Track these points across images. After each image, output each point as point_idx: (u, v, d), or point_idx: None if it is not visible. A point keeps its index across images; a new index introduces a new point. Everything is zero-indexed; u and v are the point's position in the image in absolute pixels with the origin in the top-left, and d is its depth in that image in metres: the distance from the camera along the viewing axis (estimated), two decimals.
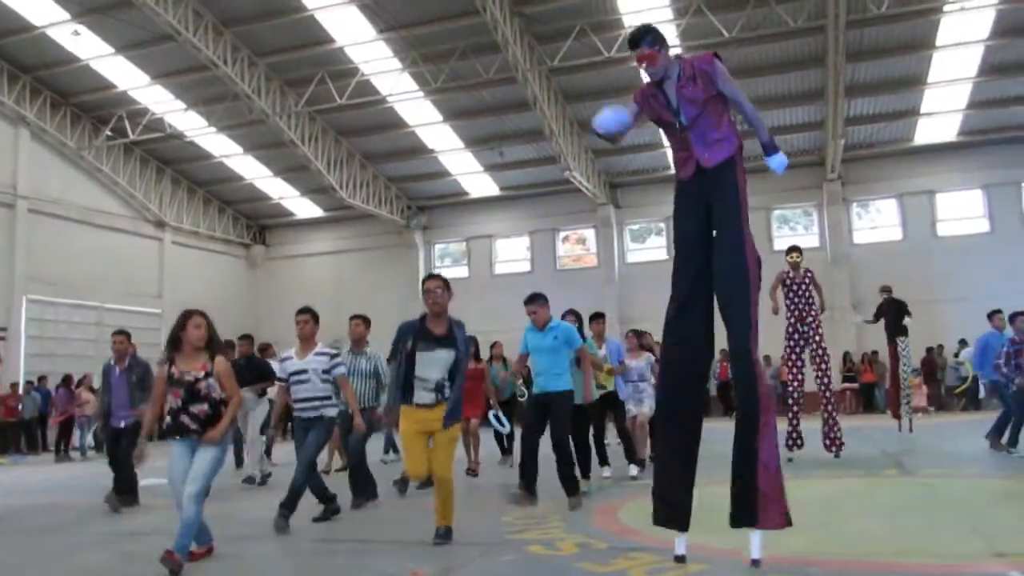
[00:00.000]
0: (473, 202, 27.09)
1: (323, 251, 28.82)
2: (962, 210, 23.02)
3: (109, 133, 22.55)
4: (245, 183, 26.81)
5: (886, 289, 13.37)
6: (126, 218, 24.80)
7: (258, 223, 29.77)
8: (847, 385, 21.54)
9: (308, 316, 6.80)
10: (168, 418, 5.15)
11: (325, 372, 6.69)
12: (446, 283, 5.73)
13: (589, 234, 26.40)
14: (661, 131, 4.49)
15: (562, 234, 26.80)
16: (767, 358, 22.89)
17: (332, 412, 6.82)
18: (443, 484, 5.55)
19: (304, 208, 28.53)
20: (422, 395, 5.54)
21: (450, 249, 28.36)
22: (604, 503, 7.12)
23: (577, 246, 26.97)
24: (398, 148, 24.40)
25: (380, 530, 6.44)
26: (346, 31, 18.87)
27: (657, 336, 11.25)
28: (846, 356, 21.78)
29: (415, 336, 5.61)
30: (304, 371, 6.65)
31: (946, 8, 17.16)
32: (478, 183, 26.31)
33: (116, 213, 24.45)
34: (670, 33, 17.91)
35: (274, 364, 7.21)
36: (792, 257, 9.85)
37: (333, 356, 6.81)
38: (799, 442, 9.63)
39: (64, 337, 22.26)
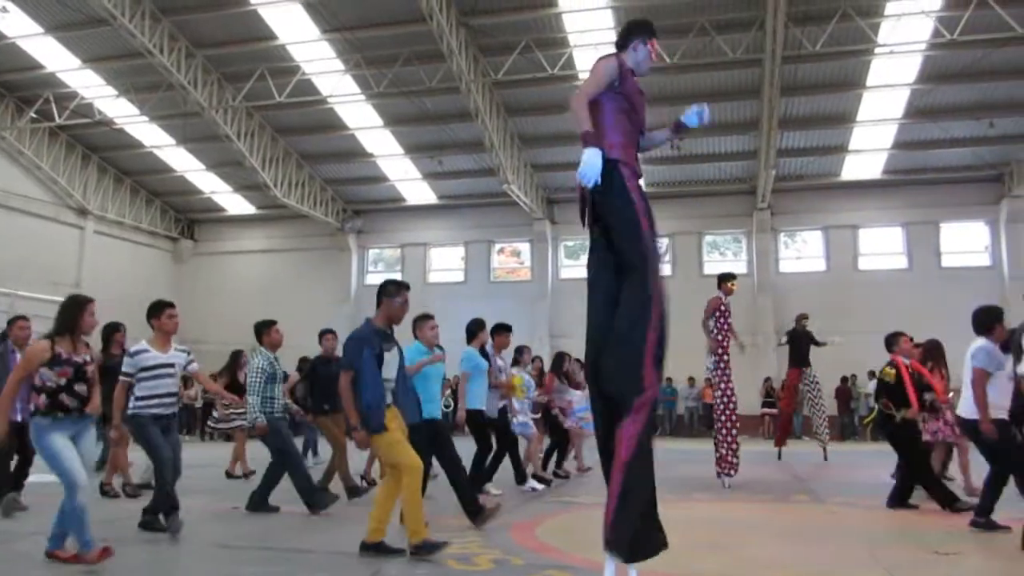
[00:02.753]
0: (409, 209, 26.95)
1: (253, 249, 28.25)
2: (883, 246, 23.94)
3: (33, 115, 21.72)
4: (176, 175, 26.13)
5: (804, 317, 13.67)
6: (47, 204, 23.87)
7: (187, 217, 29.03)
8: (766, 411, 22.08)
9: (177, 311, 6.63)
10: (44, 397, 5.06)
11: (183, 368, 6.53)
12: None
13: (524, 248, 26.51)
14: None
15: (497, 246, 26.85)
16: (691, 379, 23.35)
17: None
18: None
19: (236, 204, 27.93)
20: (389, 396, 5.58)
21: (384, 255, 28.14)
22: (523, 519, 7.11)
23: (512, 259, 27.06)
24: (336, 150, 24.13)
25: (287, 537, 6.27)
26: (289, 29, 18.60)
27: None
28: (766, 381, 22.33)
29: (379, 338, 5.56)
30: (171, 364, 6.39)
31: (876, 51, 17.86)
32: (415, 190, 26.19)
33: (36, 198, 23.51)
34: None
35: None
36: (734, 285, 10.05)
37: (189, 352, 6.66)
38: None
39: None
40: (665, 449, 16.74)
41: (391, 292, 5.69)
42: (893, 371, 8.16)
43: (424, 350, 7.16)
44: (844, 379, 21.65)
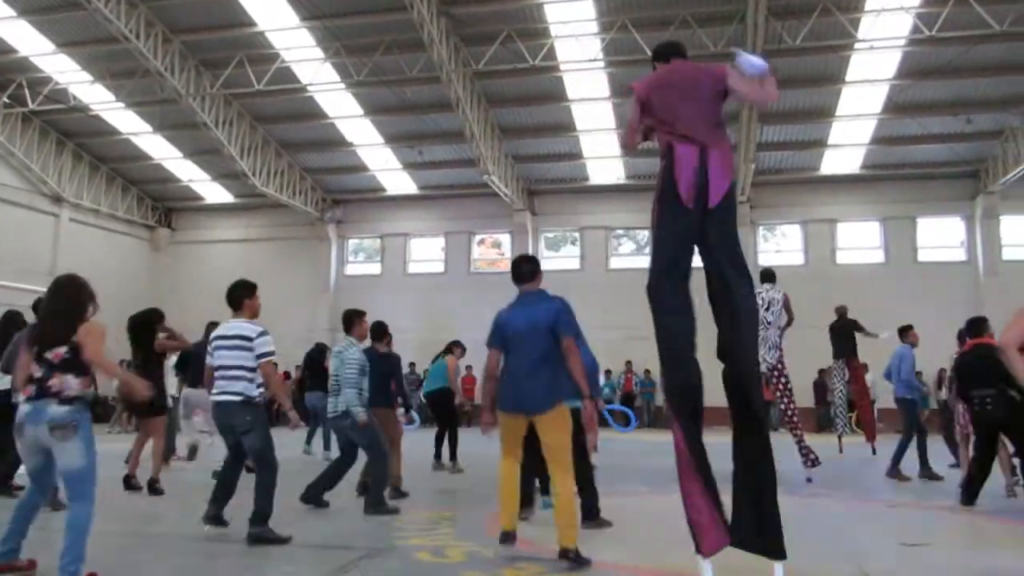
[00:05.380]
0: (390, 199, 26.82)
1: (231, 238, 28.01)
2: (860, 240, 24.10)
3: (6, 100, 21.35)
4: (152, 163, 25.83)
5: (841, 311, 13.58)
6: (20, 191, 23.52)
7: (164, 205, 28.73)
8: None
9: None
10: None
11: None
12: None
13: (504, 239, 26.46)
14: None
15: (478, 237, 26.78)
16: None
17: None
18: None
19: (214, 193, 27.67)
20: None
21: (364, 245, 28.00)
22: (497, 511, 7.09)
23: (492, 250, 27.00)
24: (316, 139, 23.94)
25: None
26: (268, 15, 18.37)
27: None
28: None
29: None
30: None
31: (856, 46, 17.93)
32: (396, 180, 26.06)
33: (9, 185, 23.15)
34: (594, 48, 18.15)
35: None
36: None
37: None
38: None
39: None
40: (645, 441, 16.80)
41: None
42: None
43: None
44: (821, 371, 21.79)
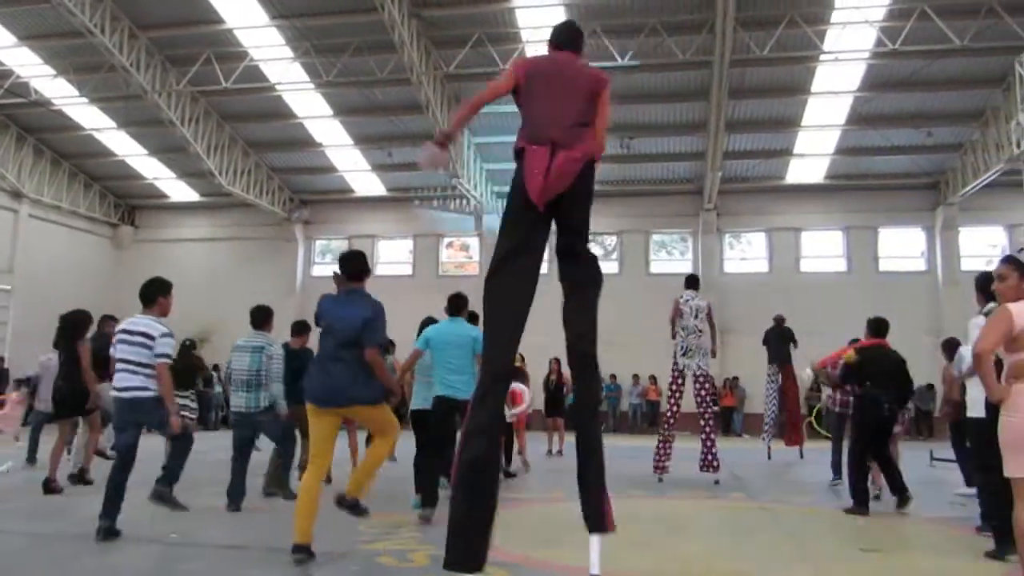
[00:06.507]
0: (358, 200, 26.68)
1: (196, 237, 27.66)
2: (824, 249, 24.45)
3: None
4: (116, 159, 25.41)
5: (779, 319, 13.93)
6: None
7: (128, 203, 28.29)
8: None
9: None
10: None
11: None
12: None
13: (473, 242, 26.45)
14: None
15: (446, 240, 26.74)
16: (635, 377, 23.60)
17: None
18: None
19: (179, 191, 27.31)
20: None
21: (331, 246, 27.79)
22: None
23: (460, 253, 26.97)
24: (284, 138, 23.74)
25: (220, 533, 6.14)
26: (237, 13, 18.20)
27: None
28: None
29: None
30: None
31: (822, 57, 18.22)
32: (364, 181, 25.93)
33: None
34: None
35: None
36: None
37: None
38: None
39: None
40: (610, 446, 16.86)
41: None
42: None
43: None
44: None
